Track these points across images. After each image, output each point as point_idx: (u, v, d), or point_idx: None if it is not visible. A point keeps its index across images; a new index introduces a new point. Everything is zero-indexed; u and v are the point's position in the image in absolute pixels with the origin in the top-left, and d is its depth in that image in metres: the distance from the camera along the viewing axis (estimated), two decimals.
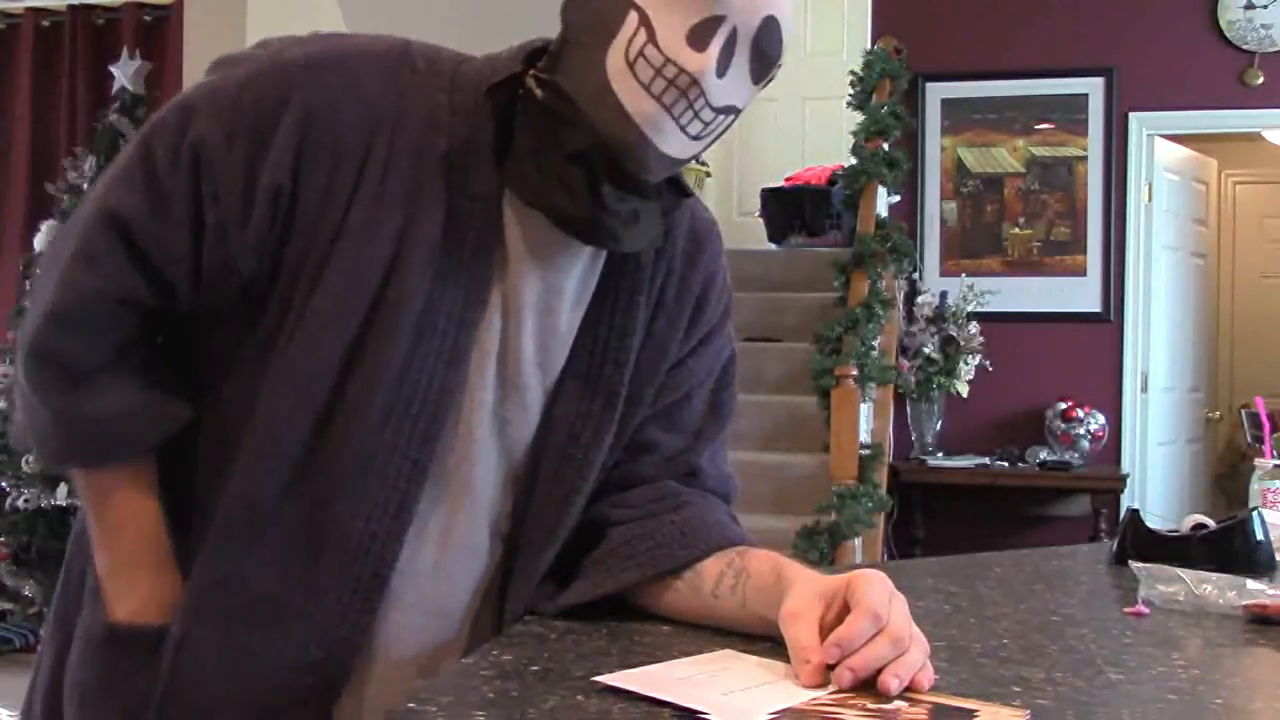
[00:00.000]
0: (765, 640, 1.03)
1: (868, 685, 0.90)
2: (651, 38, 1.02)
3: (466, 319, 1.08)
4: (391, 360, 1.05)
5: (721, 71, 1.03)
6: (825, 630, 0.94)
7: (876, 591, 0.93)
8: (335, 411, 1.05)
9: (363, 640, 1.09)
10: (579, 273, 1.15)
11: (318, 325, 1.05)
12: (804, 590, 0.98)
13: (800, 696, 0.88)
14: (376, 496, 1.06)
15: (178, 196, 1.05)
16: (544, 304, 1.13)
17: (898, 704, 0.87)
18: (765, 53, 1.06)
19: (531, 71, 1.10)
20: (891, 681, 0.88)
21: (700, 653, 1.01)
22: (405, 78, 1.08)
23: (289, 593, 1.07)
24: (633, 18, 1.02)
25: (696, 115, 1.04)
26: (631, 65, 1.02)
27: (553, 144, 1.06)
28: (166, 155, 1.05)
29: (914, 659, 0.91)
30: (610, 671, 0.92)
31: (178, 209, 1.05)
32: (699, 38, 1.02)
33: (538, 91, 1.08)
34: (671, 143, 1.04)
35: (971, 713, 0.85)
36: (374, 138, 1.06)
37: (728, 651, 1.01)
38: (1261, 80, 5.66)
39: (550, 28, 1.11)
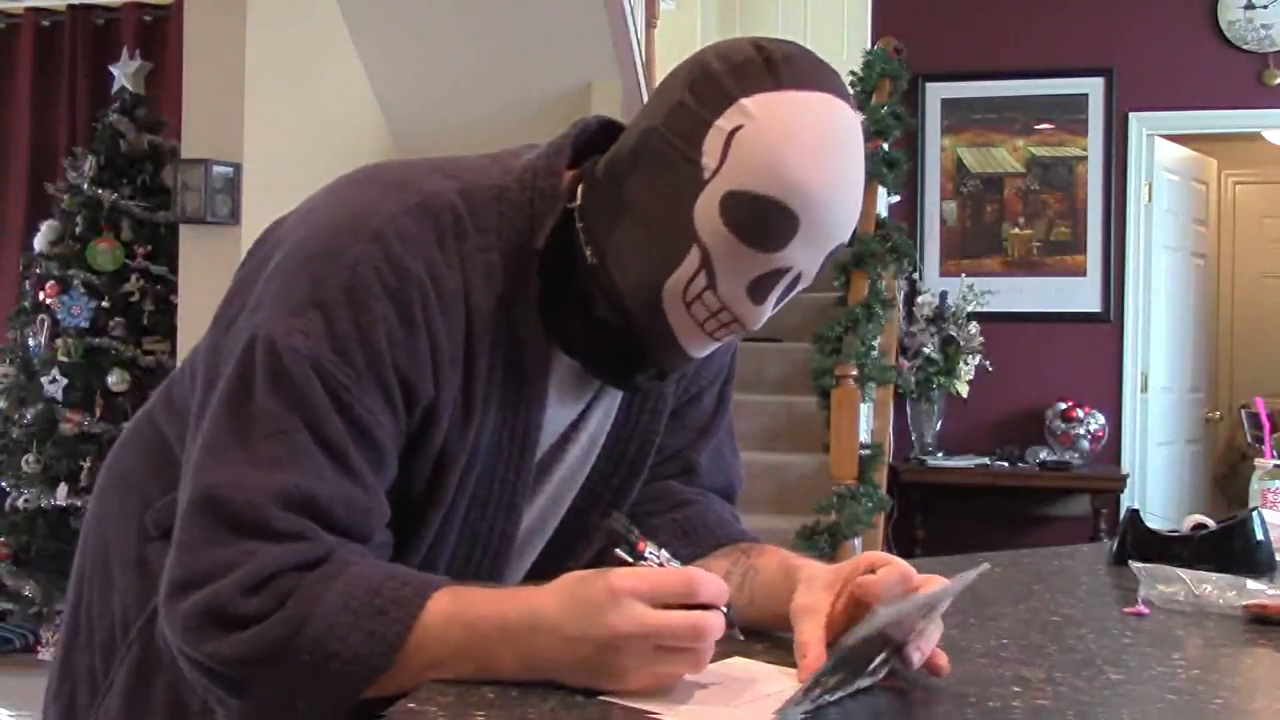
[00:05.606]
0: (762, 640, 1.04)
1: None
2: (711, 284, 0.99)
3: (525, 461, 1.09)
4: (453, 520, 1.07)
5: (774, 308, 1.03)
6: (833, 622, 0.95)
7: (899, 563, 0.97)
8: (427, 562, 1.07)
9: None
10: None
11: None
12: (812, 584, 1.00)
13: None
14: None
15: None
16: (585, 417, 1.14)
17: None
18: (825, 267, 1.04)
19: (580, 220, 1.04)
20: (914, 655, 0.92)
21: None
22: (464, 248, 1.02)
23: None
24: (695, 255, 0.98)
25: (734, 334, 1.05)
26: (688, 305, 1.00)
27: (590, 310, 1.04)
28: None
29: (933, 636, 0.94)
30: None
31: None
32: (760, 291, 1.00)
33: (587, 250, 1.03)
34: (704, 351, 1.06)
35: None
36: (470, 330, 1.02)
37: (735, 660, 1.00)
38: (1278, 81, 5.65)
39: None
